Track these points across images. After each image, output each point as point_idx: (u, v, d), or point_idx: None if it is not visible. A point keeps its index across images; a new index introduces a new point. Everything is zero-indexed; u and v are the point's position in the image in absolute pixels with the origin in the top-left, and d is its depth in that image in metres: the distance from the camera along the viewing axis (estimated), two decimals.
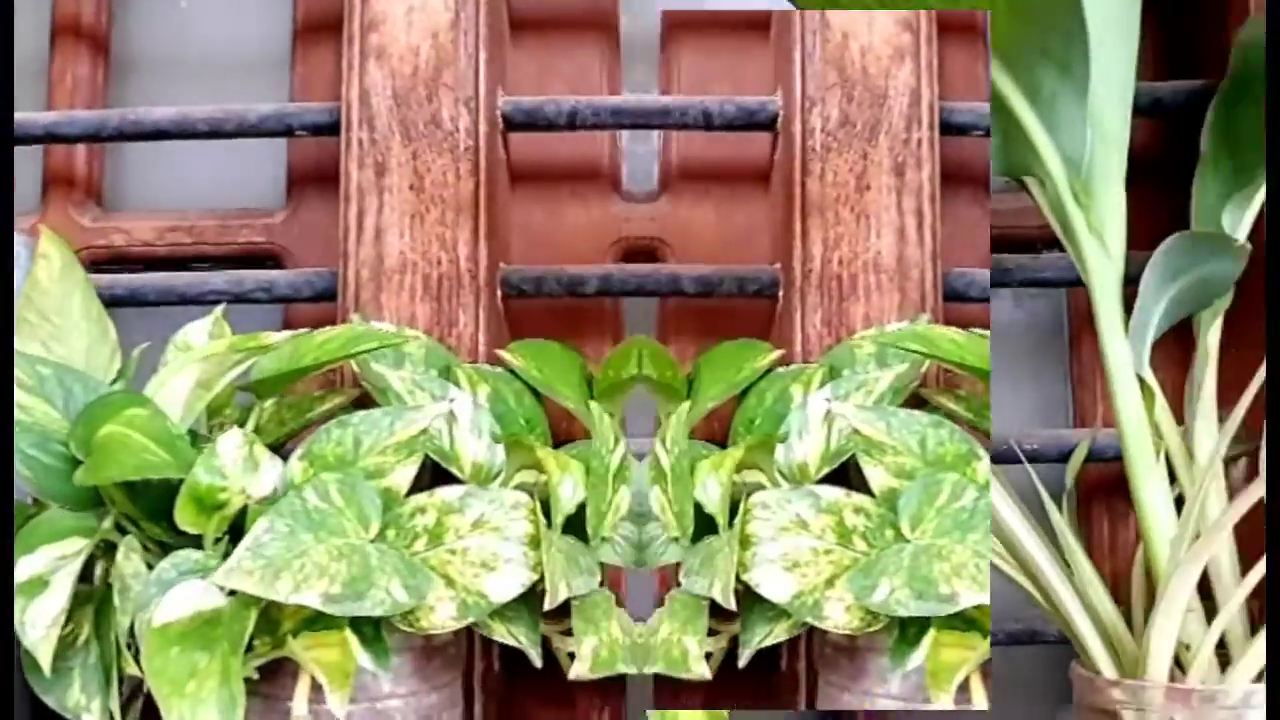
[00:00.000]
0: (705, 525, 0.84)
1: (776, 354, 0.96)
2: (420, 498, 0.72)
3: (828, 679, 0.85)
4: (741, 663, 0.82)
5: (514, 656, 1.00)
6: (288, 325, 1.06)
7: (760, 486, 0.85)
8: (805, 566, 0.77)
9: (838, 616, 0.75)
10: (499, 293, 1.01)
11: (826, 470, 0.87)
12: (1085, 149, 0.83)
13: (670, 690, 1.01)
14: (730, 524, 0.80)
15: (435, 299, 0.96)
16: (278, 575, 0.61)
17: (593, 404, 0.80)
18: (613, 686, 1.04)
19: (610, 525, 0.77)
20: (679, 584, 0.85)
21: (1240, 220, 0.88)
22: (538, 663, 0.76)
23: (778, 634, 0.80)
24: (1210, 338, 0.88)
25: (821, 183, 0.99)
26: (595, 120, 1.03)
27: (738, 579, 0.77)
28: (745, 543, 0.79)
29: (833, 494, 0.82)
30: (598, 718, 1.03)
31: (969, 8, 0.90)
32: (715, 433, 0.97)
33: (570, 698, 1.03)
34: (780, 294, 1.01)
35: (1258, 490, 0.73)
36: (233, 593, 0.64)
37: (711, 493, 0.83)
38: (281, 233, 1.10)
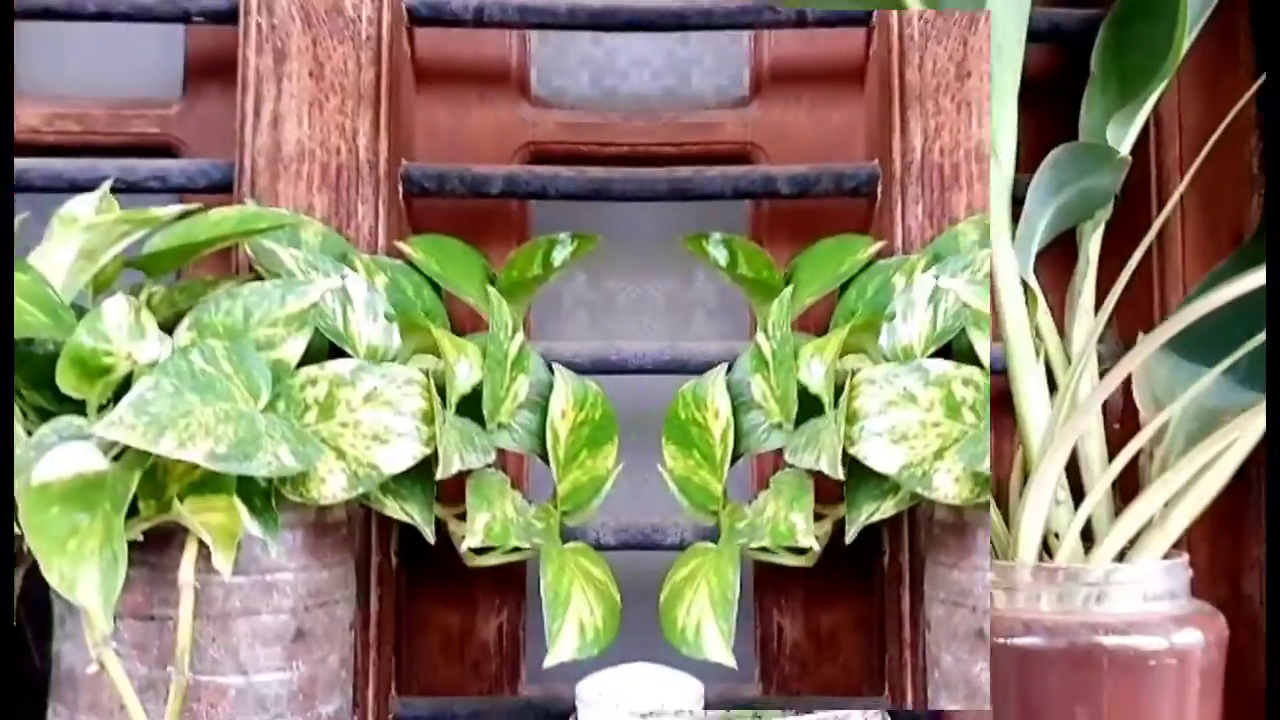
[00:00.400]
0: (808, 412, 0.85)
1: (877, 246, 0.96)
2: (311, 369, 0.71)
3: (936, 560, 0.87)
4: (849, 538, 0.84)
5: (411, 553, 1.01)
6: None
7: None
8: (913, 439, 0.78)
9: (947, 487, 0.77)
10: (400, 189, 1.01)
11: (931, 350, 0.87)
12: None
13: (772, 582, 1.03)
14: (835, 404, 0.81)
15: (334, 189, 0.94)
16: (162, 431, 0.60)
17: (490, 289, 0.80)
18: (512, 588, 1.06)
19: (508, 412, 0.78)
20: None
21: (1124, 135, 0.91)
22: (430, 538, 0.76)
23: (885, 510, 0.81)
24: (1091, 247, 0.91)
25: (920, 73, 0.99)
26: (502, 18, 1.02)
27: (844, 454, 0.78)
28: (851, 418, 0.80)
29: (941, 367, 0.82)
30: (495, 618, 1.04)
31: None
32: (814, 331, 0.97)
33: (469, 598, 1.04)
34: (879, 190, 1.01)
35: (1120, 374, 0.77)
36: (116, 457, 0.63)
37: (815, 374, 0.83)
38: (176, 125, 1.07)
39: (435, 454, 0.71)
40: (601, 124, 1.10)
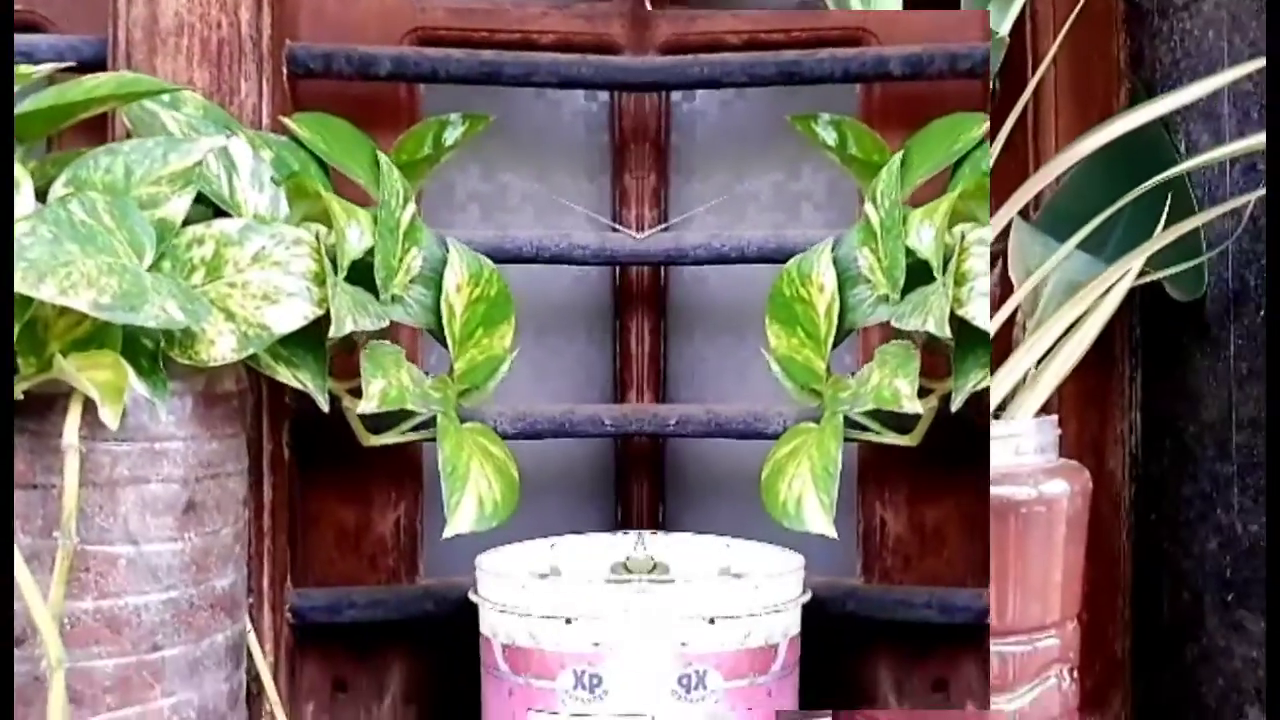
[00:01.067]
0: (916, 283, 0.84)
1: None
2: (198, 228, 0.69)
3: None
4: (955, 406, 0.83)
5: (305, 443, 0.99)
6: None
7: None
8: None
9: None
10: (285, 70, 0.98)
11: None
12: None
13: (875, 474, 1.03)
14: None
15: (215, 65, 0.91)
16: (41, 278, 0.58)
17: (380, 156, 0.79)
18: (410, 480, 1.05)
19: (401, 284, 0.77)
20: None
21: (1003, 18, 0.94)
22: (324, 405, 0.75)
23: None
24: None
25: None
26: None
27: (952, 316, 0.76)
28: (960, 280, 0.79)
29: None
30: (393, 511, 1.04)
31: None
32: None
33: (365, 490, 1.03)
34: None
35: None
36: None
37: (925, 239, 0.81)
38: (44, 1, 1.02)
39: (328, 316, 0.70)
40: (491, 10, 1.08)
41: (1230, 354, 0.93)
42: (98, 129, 0.89)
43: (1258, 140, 0.84)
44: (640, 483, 1.08)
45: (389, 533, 1.04)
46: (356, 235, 0.73)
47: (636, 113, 1.10)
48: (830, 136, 0.97)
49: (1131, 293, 0.92)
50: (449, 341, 0.80)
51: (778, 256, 0.98)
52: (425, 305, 0.81)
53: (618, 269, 1.10)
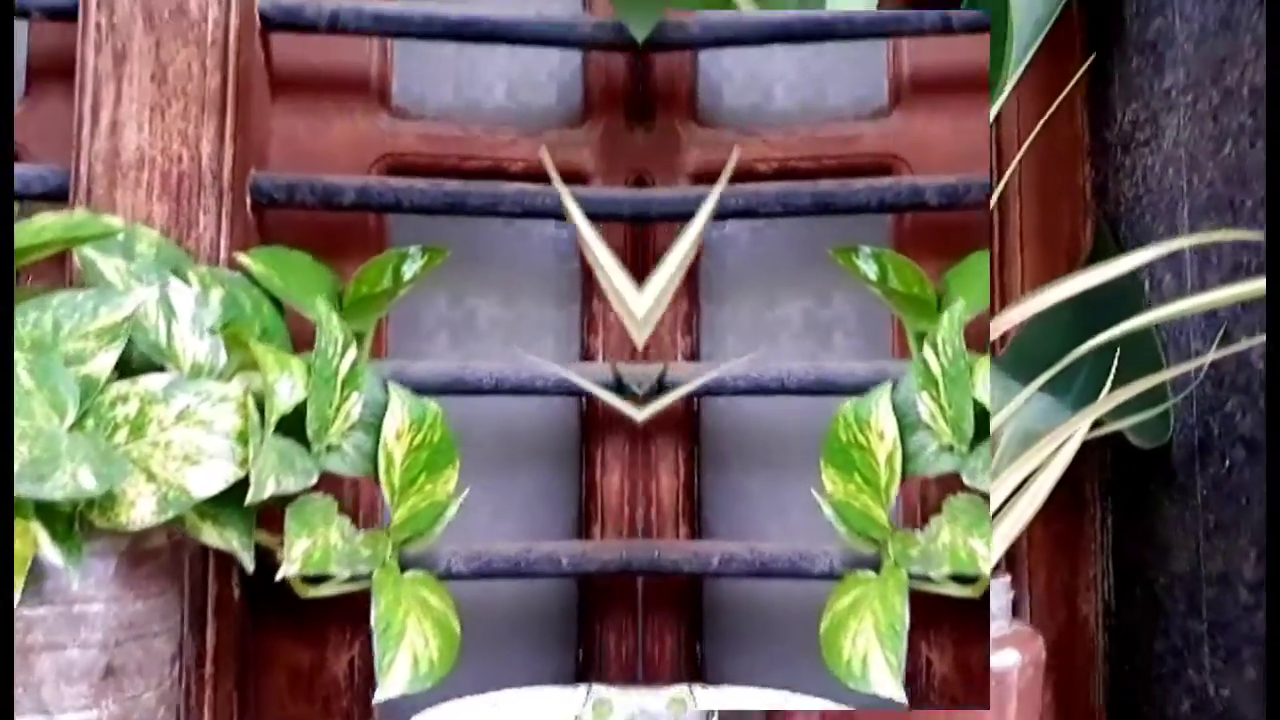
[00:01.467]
0: (983, 433, 0.82)
1: None
2: (122, 385, 0.68)
3: None
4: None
5: (257, 583, 0.98)
6: None
7: None
8: None
9: None
10: (249, 200, 0.98)
11: None
12: None
13: (921, 613, 0.93)
14: None
15: (174, 198, 0.91)
16: None
17: (319, 301, 0.78)
18: (365, 620, 1.03)
19: (339, 433, 0.76)
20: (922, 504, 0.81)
21: None
22: (249, 566, 0.74)
23: None
24: None
25: None
26: (358, 25, 1.01)
27: None
28: None
29: None
30: (347, 652, 1.02)
31: None
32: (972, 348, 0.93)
33: (319, 631, 1.00)
34: None
35: None
36: None
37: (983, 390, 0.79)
38: (19, 127, 1.03)
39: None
40: (462, 137, 1.09)
41: (1198, 504, 0.90)
42: (59, 263, 0.90)
43: (1221, 294, 0.82)
44: (623, 627, 1.05)
45: (343, 674, 1.02)
46: (288, 387, 0.72)
47: (665, 239, 1.07)
48: (871, 269, 0.96)
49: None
50: (385, 490, 0.78)
51: (817, 388, 0.97)
52: (364, 453, 0.80)
53: (583, 399, 1.09)
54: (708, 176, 1.07)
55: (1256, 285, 0.79)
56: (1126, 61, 1.00)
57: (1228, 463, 0.87)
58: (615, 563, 1.00)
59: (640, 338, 0.88)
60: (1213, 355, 0.85)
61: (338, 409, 0.76)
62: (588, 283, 1.11)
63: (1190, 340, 0.92)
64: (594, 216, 1.06)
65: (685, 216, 1.00)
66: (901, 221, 1.07)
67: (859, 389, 0.94)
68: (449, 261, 1.11)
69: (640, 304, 0.87)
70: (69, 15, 0.94)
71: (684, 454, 1.08)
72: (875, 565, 0.89)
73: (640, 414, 0.92)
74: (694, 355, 1.09)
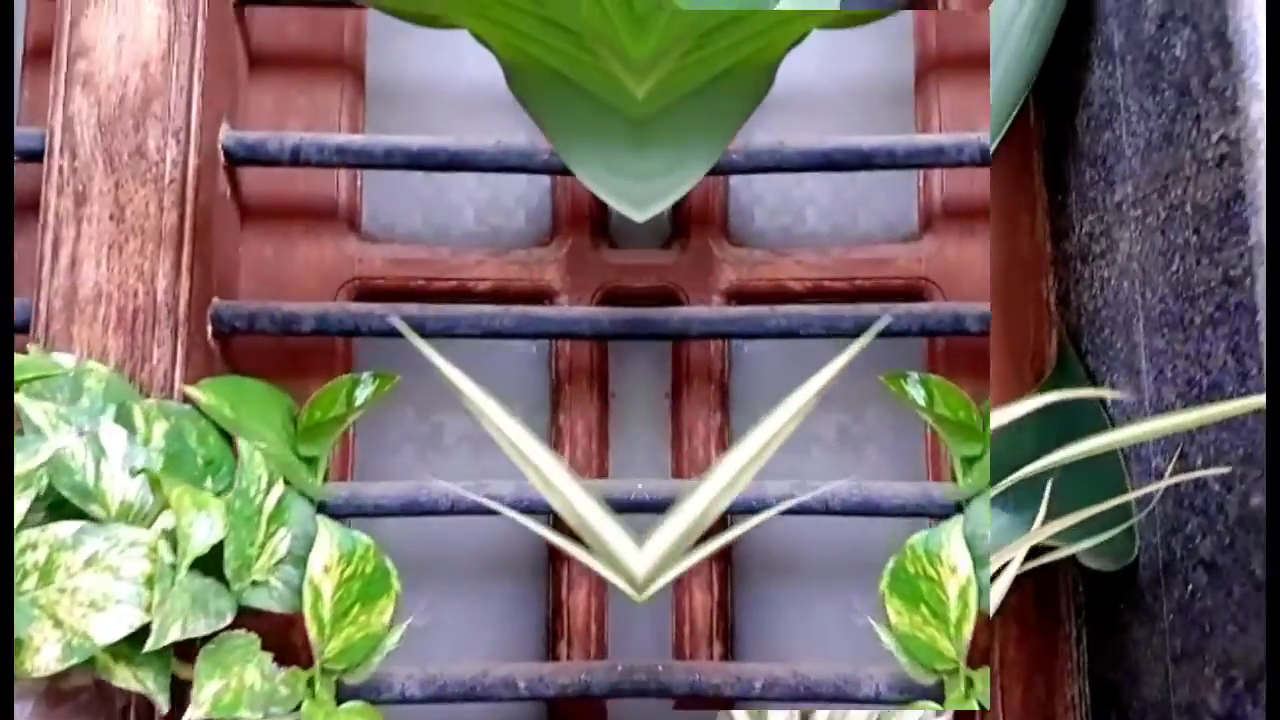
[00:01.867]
0: None
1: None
2: (33, 533, 0.69)
3: None
4: None
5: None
6: None
7: None
8: None
9: None
10: (210, 329, 1.00)
11: None
12: None
13: None
14: None
15: (129, 332, 0.93)
16: None
17: (241, 441, 0.79)
18: None
19: (264, 569, 0.76)
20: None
21: None
22: (164, 707, 0.74)
23: None
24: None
25: None
26: (320, 158, 1.03)
27: None
28: None
29: None
30: None
31: None
32: None
33: None
34: None
35: None
36: None
37: None
38: None
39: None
40: (429, 259, 1.11)
41: (1165, 628, 0.87)
42: None
43: (1181, 419, 0.80)
44: None
45: None
46: (205, 528, 0.73)
47: (698, 355, 1.11)
48: (919, 395, 0.97)
49: None
50: (311, 624, 0.78)
51: (862, 510, 0.97)
52: (294, 587, 0.80)
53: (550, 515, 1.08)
54: (741, 294, 1.09)
55: (1221, 409, 0.77)
56: (1081, 173, 0.99)
57: (1190, 587, 0.84)
58: (574, 686, 0.98)
59: (641, 596, 0.77)
60: (1165, 483, 0.83)
61: (262, 545, 0.76)
62: (556, 394, 1.11)
63: (1151, 456, 0.89)
64: (560, 335, 1.07)
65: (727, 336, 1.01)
66: (934, 344, 1.08)
67: (903, 511, 0.95)
68: (417, 376, 1.13)
69: (640, 562, 0.75)
70: (38, 158, 0.98)
71: (718, 569, 1.07)
72: (933, 695, 0.88)
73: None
74: None
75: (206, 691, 0.69)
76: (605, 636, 1.08)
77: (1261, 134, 0.76)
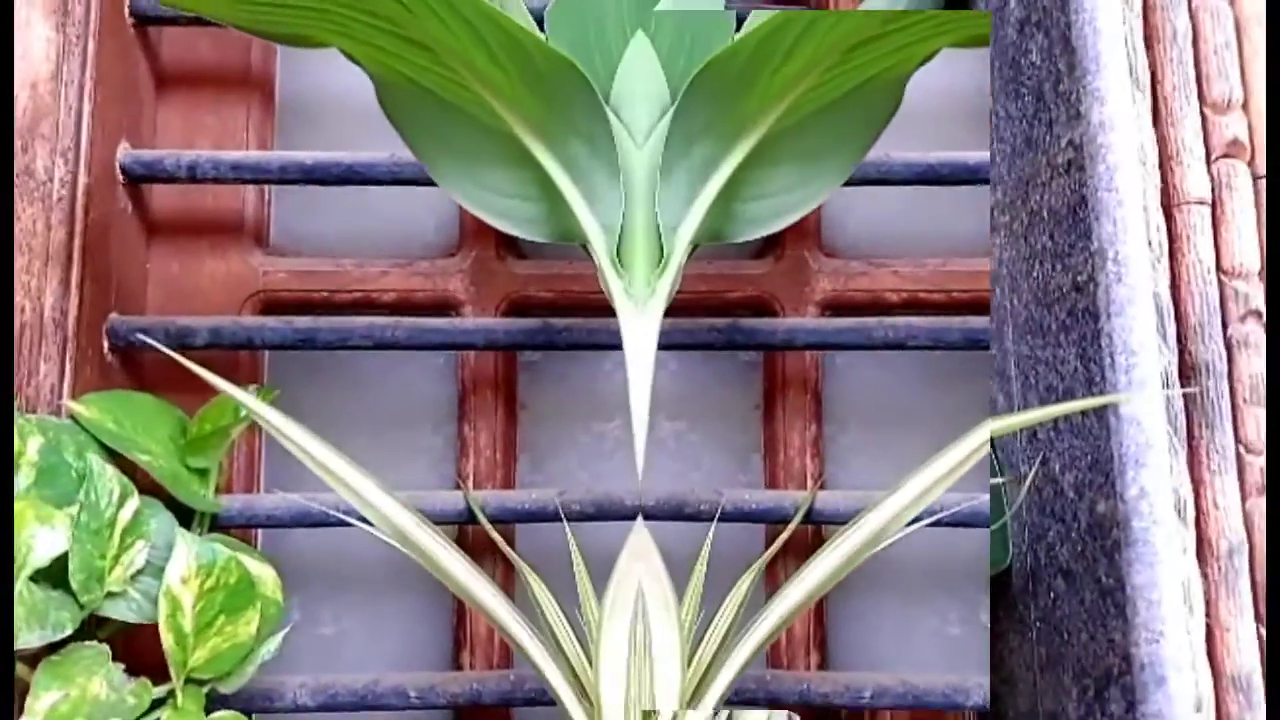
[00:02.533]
0: None
1: None
2: None
3: None
4: None
5: None
6: None
7: None
8: None
9: None
10: (106, 344, 1.02)
11: None
12: (619, 220, 0.86)
13: None
14: None
15: (17, 350, 0.95)
16: None
17: (91, 456, 0.81)
18: None
19: (120, 580, 0.77)
20: None
21: None
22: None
23: None
24: None
25: None
26: (215, 175, 1.05)
27: None
28: None
29: None
30: None
31: None
32: None
33: None
34: None
35: None
36: None
37: None
38: None
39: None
40: (334, 271, 1.12)
41: (1033, 636, 0.87)
42: None
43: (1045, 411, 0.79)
44: None
45: None
46: (47, 539, 0.74)
47: (791, 365, 1.11)
48: None
49: None
50: (167, 635, 0.79)
51: (973, 521, 0.94)
52: (154, 598, 0.81)
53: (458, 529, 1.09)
54: (836, 305, 1.10)
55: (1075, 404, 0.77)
56: None
57: (1052, 595, 0.84)
58: (466, 695, 0.99)
59: None
60: (1030, 479, 0.83)
61: (115, 558, 0.78)
62: (462, 405, 1.12)
63: (1019, 464, 0.89)
64: (455, 346, 1.08)
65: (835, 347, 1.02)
66: None
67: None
68: (322, 389, 1.14)
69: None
70: None
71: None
72: None
73: None
74: (821, 478, 1.09)
75: (42, 702, 0.71)
76: (827, 642, 1.09)
77: (1102, 139, 0.76)
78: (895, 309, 1.08)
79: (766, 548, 1.05)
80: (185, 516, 0.95)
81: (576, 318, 1.05)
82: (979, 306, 1.07)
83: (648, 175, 0.86)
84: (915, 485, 0.77)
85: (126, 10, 1.08)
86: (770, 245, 1.11)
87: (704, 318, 1.05)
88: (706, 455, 1.14)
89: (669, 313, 1.03)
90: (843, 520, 0.98)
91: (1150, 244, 0.76)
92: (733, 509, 1.00)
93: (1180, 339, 0.78)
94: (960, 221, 1.13)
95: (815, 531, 1.08)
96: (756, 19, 0.92)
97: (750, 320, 1.05)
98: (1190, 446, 0.77)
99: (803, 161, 0.87)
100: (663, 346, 1.02)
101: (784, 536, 0.99)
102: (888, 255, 1.11)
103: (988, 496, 0.94)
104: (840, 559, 0.77)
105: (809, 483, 1.08)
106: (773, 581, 1.08)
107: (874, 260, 1.10)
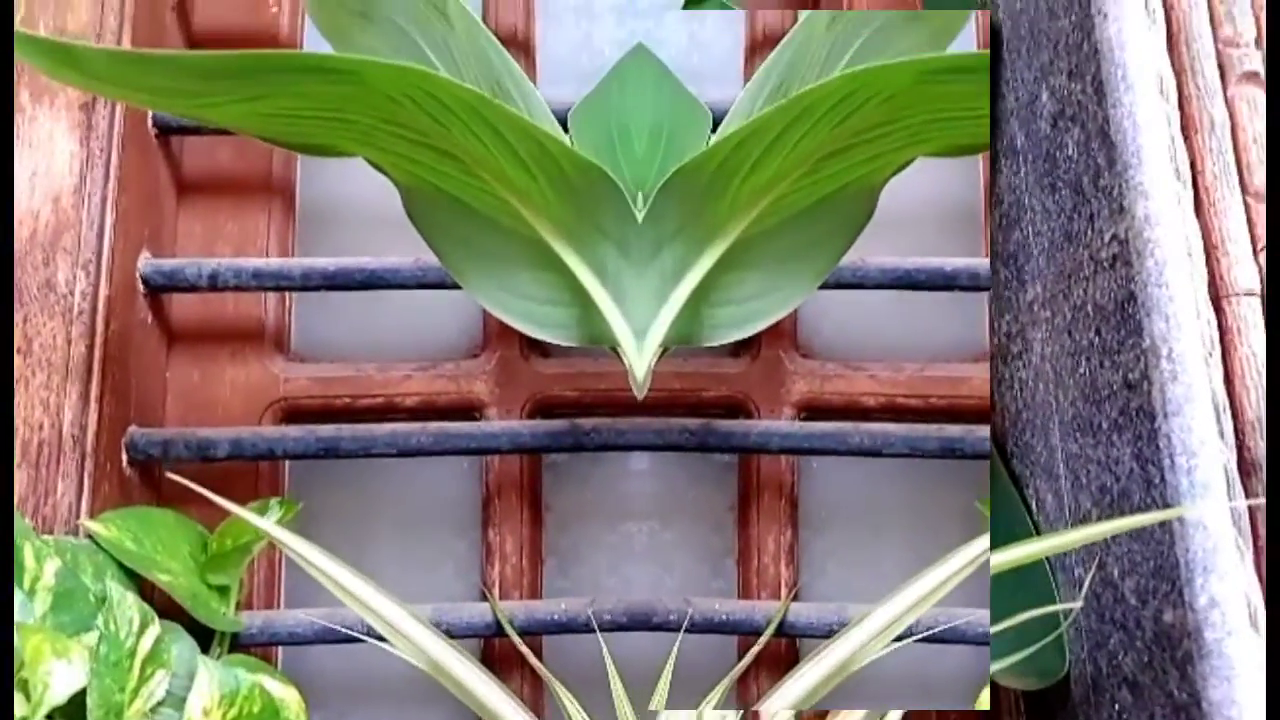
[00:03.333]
0: None
1: None
2: None
3: None
4: None
5: None
6: None
7: None
8: None
9: None
10: (125, 458, 1.00)
11: None
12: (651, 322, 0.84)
13: None
14: None
15: (34, 466, 0.93)
16: None
17: (111, 583, 0.78)
18: None
19: (139, 713, 0.74)
20: None
21: None
22: None
23: None
24: None
25: None
26: (236, 282, 1.04)
27: None
28: None
29: None
30: None
31: None
32: None
33: None
34: None
35: None
36: None
37: None
38: None
39: None
40: (355, 376, 1.10)
41: None
42: None
43: (1096, 529, 0.76)
44: None
45: None
46: (64, 676, 0.71)
47: (767, 466, 1.09)
48: None
49: None
50: None
51: (951, 637, 0.93)
52: None
53: (483, 640, 1.06)
54: (812, 408, 1.07)
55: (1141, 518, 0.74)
56: (997, 271, 0.97)
57: (1116, 706, 0.79)
58: None
59: None
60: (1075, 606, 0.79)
61: (135, 690, 0.75)
62: (487, 510, 1.10)
63: (1074, 567, 0.86)
64: (480, 450, 1.05)
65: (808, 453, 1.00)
66: None
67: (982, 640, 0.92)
68: (346, 494, 1.12)
69: None
70: None
71: None
72: None
73: None
74: (795, 587, 1.06)
75: None
76: None
77: (1149, 234, 0.74)
78: (872, 413, 1.06)
79: (741, 656, 1.01)
80: (205, 633, 0.92)
81: (602, 417, 1.03)
82: (957, 413, 1.04)
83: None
84: (903, 599, 0.73)
85: (149, 121, 1.07)
86: (746, 345, 1.09)
87: (678, 417, 1.02)
88: (679, 557, 1.10)
89: (643, 411, 1.01)
90: (816, 633, 0.95)
91: (1203, 339, 0.74)
92: (702, 620, 0.97)
93: (1238, 434, 0.75)
94: (939, 326, 1.10)
95: (789, 642, 1.05)
96: (731, 121, 0.91)
97: (725, 422, 1.02)
98: (1256, 548, 0.74)
99: (774, 268, 0.85)
100: (636, 446, 1.01)
101: (754, 650, 0.96)
102: (865, 358, 1.08)
103: (985, 613, 0.91)
104: (819, 677, 0.73)
105: (783, 590, 1.04)
106: (745, 695, 1.04)
107: (850, 363, 1.08)
